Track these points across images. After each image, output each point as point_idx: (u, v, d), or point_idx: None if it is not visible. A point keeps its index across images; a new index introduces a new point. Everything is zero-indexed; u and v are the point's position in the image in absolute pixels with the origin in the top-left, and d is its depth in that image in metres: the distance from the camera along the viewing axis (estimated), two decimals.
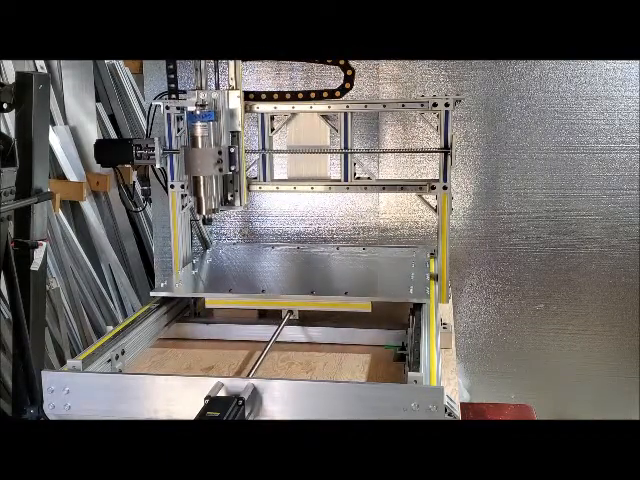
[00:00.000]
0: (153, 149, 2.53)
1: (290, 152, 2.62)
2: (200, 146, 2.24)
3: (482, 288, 3.17)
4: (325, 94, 2.52)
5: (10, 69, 3.63)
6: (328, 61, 2.62)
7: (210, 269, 2.55)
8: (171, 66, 2.43)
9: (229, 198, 2.47)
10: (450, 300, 2.64)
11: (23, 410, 2.33)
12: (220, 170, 2.28)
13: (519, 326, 3.19)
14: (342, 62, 2.52)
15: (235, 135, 2.40)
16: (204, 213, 2.35)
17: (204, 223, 2.43)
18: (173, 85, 2.43)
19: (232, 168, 2.35)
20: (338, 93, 2.52)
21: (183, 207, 2.65)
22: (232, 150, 2.33)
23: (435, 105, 2.44)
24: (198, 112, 2.22)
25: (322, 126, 2.58)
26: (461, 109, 2.98)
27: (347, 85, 2.51)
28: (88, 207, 4.17)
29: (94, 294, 4.15)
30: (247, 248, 2.90)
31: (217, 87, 2.40)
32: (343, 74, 2.52)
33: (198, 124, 2.23)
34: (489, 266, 3.14)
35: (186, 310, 2.33)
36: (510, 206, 3.08)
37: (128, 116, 4.54)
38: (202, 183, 2.28)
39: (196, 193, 2.30)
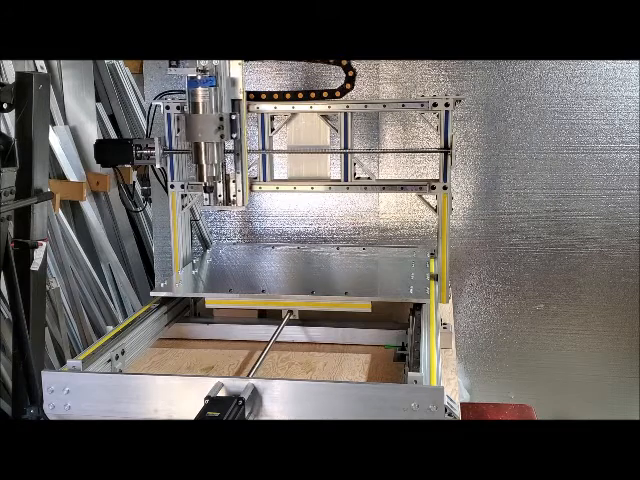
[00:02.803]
0: (153, 149, 2.53)
1: (290, 152, 2.62)
2: (201, 112, 2.21)
3: (482, 288, 3.17)
4: (325, 94, 2.52)
5: (10, 69, 3.63)
6: (330, 61, 2.61)
7: (210, 269, 2.55)
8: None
9: (232, 198, 2.46)
10: (450, 300, 2.64)
11: (23, 410, 2.33)
12: (222, 137, 2.24)
13: (519, 326, 3.19)
14: (344, 63, 2.51)
15: (236, 103, 2.36)
16: (205, 181, 2.31)
17: (205, 191, 2.40)
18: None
19: (233, 135, 2.31)
20: (338, 93, 2.52)
21: (183, 207, 2.65)
22: (234, 117, 2.30)
23: (435, 105, 2.44)
24: (199, 77, 2.18)
25: (322, 126, 2.58)
26: (461, 109, 2.98)
27: (348, 86, 2.51)
28: (88, 207, 4.17)
29: (94, 294, 4.15)
30: (247, 248, 2.90)
31: None
32: (344, 74, 2.52)
33: (199, 89, 2.19)
34: (489, 266, 3.14)
35: (186, 310, 2.33)
36: (510, 206, 3.08)
37: (128, 116, 4.54)
38: (203, 150, 2.24)
39: (197, 160, 2.27)
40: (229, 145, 2.39)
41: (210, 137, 2.22)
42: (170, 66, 2.28)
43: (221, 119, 2.23)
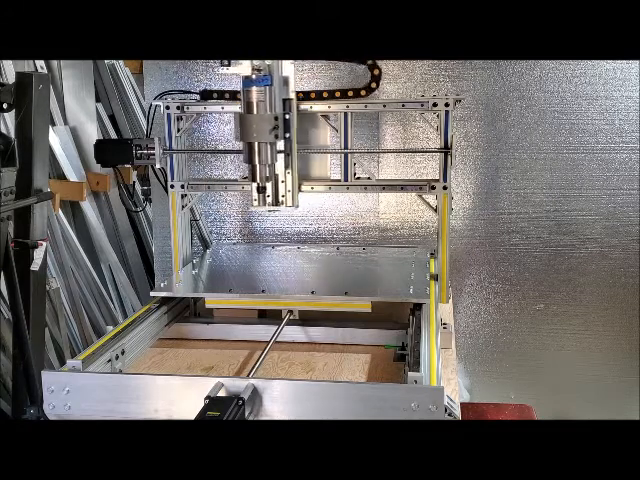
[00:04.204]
0: (153, 149, 2.53)
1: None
2: (255, 111, 2.18)
3: (482, 288, 3.17)
4: (325, 94, 2.52)
5: (10, 69, 3.63)
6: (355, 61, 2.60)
7: (210, 269, 2.55)
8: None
9: (280, 198, 2.45)
10: (450, 300, 2.64)
11: (23, 410, 2.33)
12: (276, 137, 2.22)
13: (519, 326, 3.19)
14: (376, 72, 2.49)
15: (287, 103, 2.33)
16: (258, 181, 2.29)
17: (258, 192, 2.38)
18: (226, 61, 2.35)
19: (286, 135, 2.29)
20: (338, 93, 2.52)
21: (183, 207, 2.65)
22: (287, 117, 2.27)
23: (435, 105, 2.43)
24: (254, 76, 2.16)
25: (322, 126, 2.57)
26: (461, 109, 2.98)
27: (350, 93, 2.51)
28: (88, 207, 4.17)
29: (94, 294, 4.15)
30: (247, 248, 2.90)
31: None
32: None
33: (254, 89, 2.16)
34: (489, 266, 3.14)
35: (186, 310, 2.33)
36: (510, 206, 3.07)
37: (128, 116, 4.55)
38: (257, 150, 2.22)
39: (250, 160, 2.24)
40: None
41: (265, 137, 2.20)
42: (222, 65, 2.25)
43: (276, 119, 2.21)
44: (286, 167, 2.42)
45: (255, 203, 2.43)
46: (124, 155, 2.56)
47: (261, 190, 2.36)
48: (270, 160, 2.25)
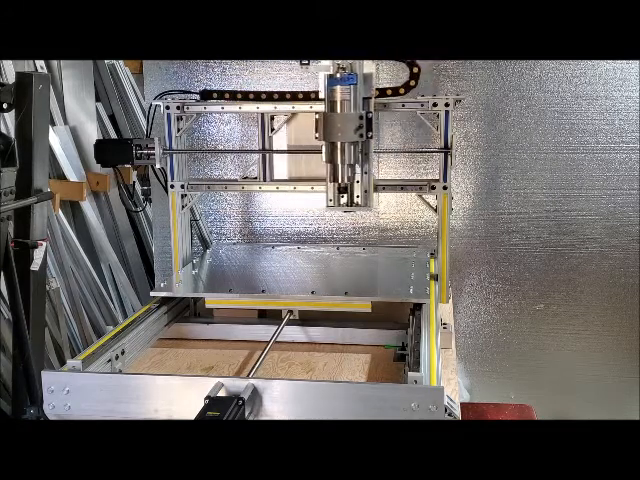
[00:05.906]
0: (153, 149, 2.53)
1: (290, 152, 2.62)
2: (339, 110, 2.15)
3: (482, 288, 3.17)
4: None
5: (10, 69, 3.63)
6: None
7: (210, 269, 2.55)
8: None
9: (355, 199, 2.41)
10: (450, 300, 2.64)
11: (23, 410, 2.33)
12: (361, 136, 2.18)
13: (519, 326, 3.19)
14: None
15: (365, 102, 2.27)
16: (339, 181, 2.26)
17: (339, 192, 2.33)
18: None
19: (369, 134, 2.24)
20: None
21: (183, 207, 2.65)
22: (370, 116, 2.23)
23: (435, 105, 2.43)
24: (339, 75, 2.13)
25: None
26: (461, 109, 2.98)
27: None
28: (88, 207, 4.16)
29: (94, 294, 4.15)
30: (247, 248, 2.90)
31: None
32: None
33: (338, 87, 2.13)
34: (489, 266, 3.14)
35: (186, 310, 2.33)
36: (510, 206, 3.07)
37: (128, 116, 4.54)
38: (339, 149, 2.19)
39: (332, 160, 2.21)
40: None
41: (350, 136, 2.17)
42: (301, 64, 2.22)
43: (361, 118, 2.18)
44: (362, 168, 2.38)
45: (330, 203, 2.39)
46: (124, 155, 2.56)
47: (342, 190, 2.32)
48: (353, 160, 2.22)
